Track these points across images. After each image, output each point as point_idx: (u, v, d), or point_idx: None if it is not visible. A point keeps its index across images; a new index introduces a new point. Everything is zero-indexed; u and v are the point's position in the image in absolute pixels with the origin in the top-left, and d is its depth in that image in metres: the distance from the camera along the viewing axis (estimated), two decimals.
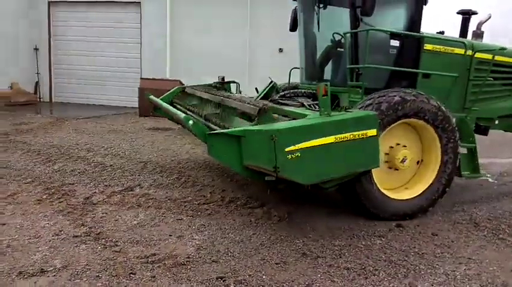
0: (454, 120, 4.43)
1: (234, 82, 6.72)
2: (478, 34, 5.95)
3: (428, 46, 4.89)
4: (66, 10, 13.85)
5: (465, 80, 5.10)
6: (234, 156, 3.31)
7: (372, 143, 3.50)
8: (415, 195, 4.34)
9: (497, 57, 5.24)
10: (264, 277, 3.01)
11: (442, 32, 5.60)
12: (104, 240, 3.48)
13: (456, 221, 4.35)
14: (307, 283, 2.97)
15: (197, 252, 3.33)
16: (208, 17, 12.70)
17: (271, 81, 6.26)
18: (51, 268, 2.98)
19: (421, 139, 4.46)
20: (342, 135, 3.33)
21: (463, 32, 5.81)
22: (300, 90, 5.34)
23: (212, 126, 4.42)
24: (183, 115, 4.29)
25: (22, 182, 5.04)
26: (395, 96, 4.08)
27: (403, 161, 4.21)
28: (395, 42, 4.86)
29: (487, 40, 6.24)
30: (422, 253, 3.54)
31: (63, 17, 13.93)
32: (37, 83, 13.97)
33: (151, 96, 6.42)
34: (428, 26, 5.82)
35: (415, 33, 4.92)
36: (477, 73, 5.19)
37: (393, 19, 5.10)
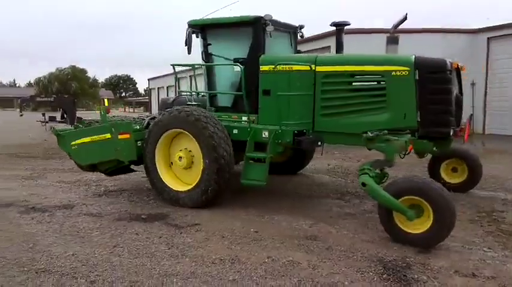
0: (208, 129, 5.12)
1: None
2: (392, 39, 5.72)
3: (264, 67, 5.42)
4: (503, 44, 14.10)
5: (309, 95, 5.24)
6: (64, 146, 6.33)
7: (110, 143, 5.80)
8: (186, 189, 5.45)
9: (356, 68, 5.07)
10: None
11: (298, 52, 6.34)
12: None
13: None
14: None
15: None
16: None
17: None
18: (482, 275, 3.46)
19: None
20: (91, 137, 5.94)
21: (338, 44, 5.75)
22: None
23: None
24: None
25: None
26: (164, 114, 5.57)
27: (180, 159, 5.47)
28: (238, 69, 5.63)
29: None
30: None
31: (500, 51, 14.22)
32: (471, 115, 14.96)
33: None
34: None
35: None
36: (326, 87, 5.18)
37: (238, 49, 5.84)
